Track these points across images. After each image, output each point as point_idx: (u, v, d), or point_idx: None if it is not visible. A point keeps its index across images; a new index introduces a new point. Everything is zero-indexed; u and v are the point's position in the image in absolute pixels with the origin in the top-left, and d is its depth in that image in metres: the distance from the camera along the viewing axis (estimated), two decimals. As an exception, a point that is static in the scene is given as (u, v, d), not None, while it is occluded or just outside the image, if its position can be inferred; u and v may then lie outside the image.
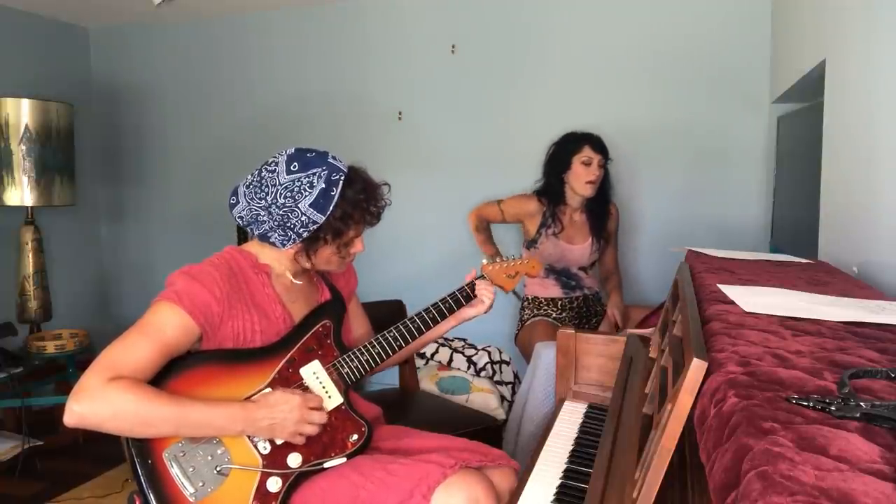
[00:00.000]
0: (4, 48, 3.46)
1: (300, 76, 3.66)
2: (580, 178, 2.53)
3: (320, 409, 1.31)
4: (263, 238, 1.34)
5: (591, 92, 3.15)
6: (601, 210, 2.63)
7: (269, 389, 1.29)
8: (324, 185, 1.27)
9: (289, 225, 1.29)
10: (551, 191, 2.59)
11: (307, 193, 1.27)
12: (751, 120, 2.94)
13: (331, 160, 1.31)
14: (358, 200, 1.30)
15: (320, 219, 1.28)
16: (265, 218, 1.30)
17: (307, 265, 1.38)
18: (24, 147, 3.00)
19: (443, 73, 3.38)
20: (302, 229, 1.29)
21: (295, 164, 1.30)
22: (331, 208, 1.28)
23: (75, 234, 3.93)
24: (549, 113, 3.20)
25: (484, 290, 1.55)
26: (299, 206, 1.27)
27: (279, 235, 1.31)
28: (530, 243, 2.63)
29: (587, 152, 2.51)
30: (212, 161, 3.88)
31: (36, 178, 3.04)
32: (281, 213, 1.28)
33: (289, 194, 1.28)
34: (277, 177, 1.29)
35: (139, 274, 4.04)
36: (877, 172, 1.52)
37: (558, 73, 3.20)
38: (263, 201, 1.29)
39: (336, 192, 1.28)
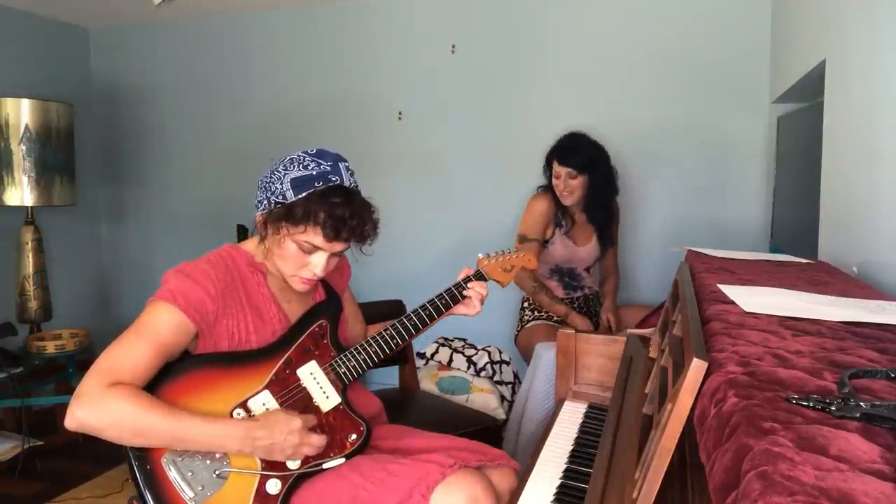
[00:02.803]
0: (4, 48, 3.47)
1: (300, 76, 3.66)
2: (558, 191, 2.54)
3: (321, 432, 1.30)
4: (256, 207, 1.35)
5: (591, 92, 3.15)
6: (599, 214, 2.61)
7: (266, 392, 1.29)
8: (314, 174, 1.27)
9: (270, 189, 1.30)
10: (552, 189, 2.59)
11: (297, 170, 1.28)
12: (751, 120, 2.94)
13: (340, 166, 1.31)
14: (330, 206, 1.25)
15: (290, 197, 1.27)
16: (265, 182, 1.33)
17: (263, 244, 1.35)
18: (24, 147, 3.00)
19: (443, 73, 3.38)
20: (273, 198, 1.29)
21: (315, 150, 1.32)
22: (303, 194, 1.26)
23: (75, 234, 3.93)
24: (549, 113, 3.21)
25: (473, 291, 1.50)
26: (285, 176, 1.28)
27: (260, 195, 1.33)
28: (544, 243, 2.61)
29: (555, 167, 2.50)
30: (212, 161, 3.88)
31: (36, 178, 3.04)
32: (272, 177, 1.31)
33: (288, 164, 1.30)
34: (295, 152, 1.33)
35: (139, 274, 4.04)
36: (877, 172, 1.52)
37: (558, 73, 3.20)
38: (273, 165, 1.33)
39: (317, 187, 1.27)
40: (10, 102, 3.00)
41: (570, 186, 2.50)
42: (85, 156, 3.84)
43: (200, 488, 1.20)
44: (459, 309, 1.52)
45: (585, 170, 2.48)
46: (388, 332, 1.44)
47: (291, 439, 1.23)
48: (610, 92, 3.12)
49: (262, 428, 1.22)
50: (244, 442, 1.21)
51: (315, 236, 1.28)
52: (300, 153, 1.32)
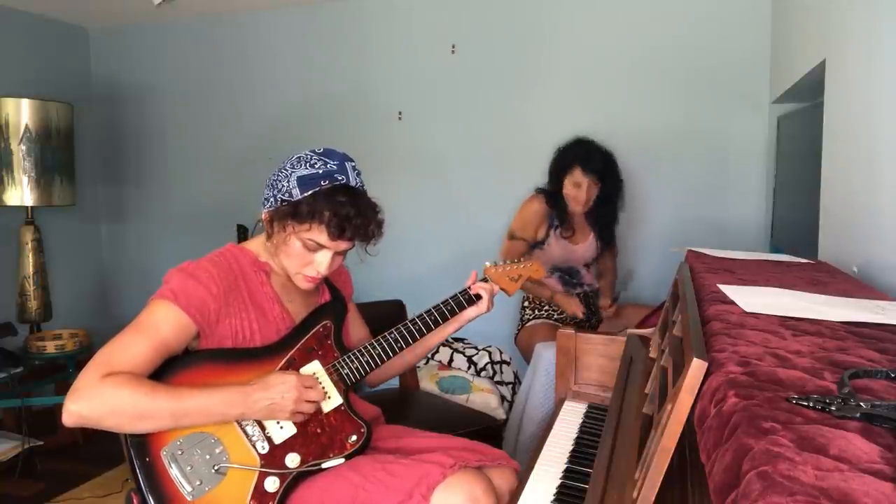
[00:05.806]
0: (4, 48, 3.46)
1: (300, 76, 3.66)
2: (570, 198, 2.52)
3: (315, 386, 1.31)
4: (262, 204, 1.35)
5: (591, 92, 3.15)
6: (607, 215, 2.60)
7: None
8: (320, 173, 1.28)
9: (277, 187, 1.31)
10: (554, 194, 2.57)
11: (303, 169, 1.29)
12: (751, 120, 2.94)
13: (347, 165, 1.32)
14: (335, 205, 1.26)
15: (297, 195, 1.28)
16: (272, 180, 1.34)
17: (270, 242, 1.35)
18: (24, 147, 2.99)
19: (443, 73, 3.38)
20: (280, 195, 1.30)
21: (322, 149, 1.33)
22: (308, 193, 1.27)
23: (75, 234, 3.93)
24: (549, 113, 3.21)
25: (481, 289, 1.53)
26: (292, 174, 1.29)
27: (267, 193, 1.34)
28: (537, 244, 2.61)
29: (577, 176, 2.47)
30: (212, 161, 3.88)
31: (36, 178, 3.04)
32: (279, 175, 1.32)
33: (295, 162, 1.31)
34: (302, 151, 1.34)
35: (139, 274, 4.04)
36: (877, 172, 1.52)
37: (558, 73, 3.20)
38: (281, 164, 1.34)
39: (323, 186, 1.27)
40: (10, 102, 3.00)
41: (591, 194, 2.48)
42: (85, 156, 3.83)
43: (199, 483, 1.20)
44: (469, 312, 1.53)
45: (605, 175, 2.47)
46: (391, 335, 1.44)
47: (290, 395, 1.24)
48: (610, 92, 3.12)
49: (259, 390, 1.23)
50: (244, 406, 1.22)
51: (320, 234, 1.29)
52: (307, 152, 1.33)
